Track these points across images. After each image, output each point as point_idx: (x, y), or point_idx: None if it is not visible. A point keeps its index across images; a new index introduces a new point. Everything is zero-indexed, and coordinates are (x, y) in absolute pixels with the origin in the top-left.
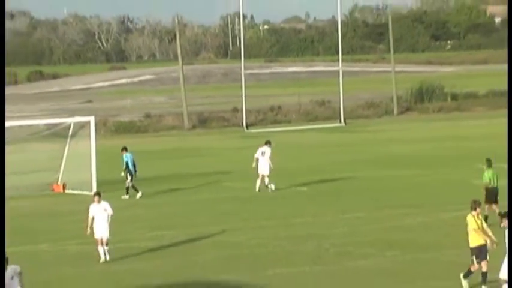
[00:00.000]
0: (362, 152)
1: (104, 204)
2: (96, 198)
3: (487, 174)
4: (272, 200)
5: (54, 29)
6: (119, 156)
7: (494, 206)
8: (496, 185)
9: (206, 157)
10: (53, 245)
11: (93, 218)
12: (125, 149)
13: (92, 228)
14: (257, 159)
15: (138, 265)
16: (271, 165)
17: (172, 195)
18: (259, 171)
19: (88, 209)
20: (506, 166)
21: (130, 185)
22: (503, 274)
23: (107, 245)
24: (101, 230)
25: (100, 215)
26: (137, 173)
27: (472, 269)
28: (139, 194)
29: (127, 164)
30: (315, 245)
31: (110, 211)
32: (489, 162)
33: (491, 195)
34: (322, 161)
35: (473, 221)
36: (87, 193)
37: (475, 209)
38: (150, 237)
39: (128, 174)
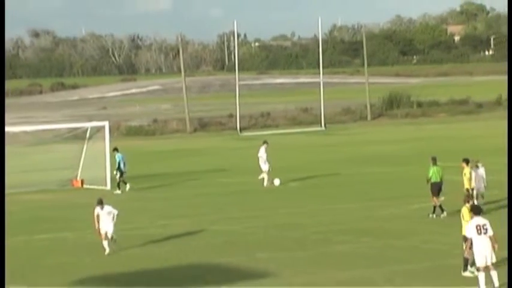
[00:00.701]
0: (340, 152)
1: (108, 208)
2: (99, 205)
3: (432, 171)
4: (263, 193)
5: (74, 46)
6: (131, 155)
7: (435, 199)
8: (439, 180)
9: (206, 156)
10: (73, 233)
11: (98, 216)
12: (116, 149)
13: (99, 223)
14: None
15: (147, 250)
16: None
17: (176, 190)
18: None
19: (94, 211)
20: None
21: (121, 180)
22: (480, 262)
23: (112, 238)
24: (106, 225)
25: (105, 216)
26: (126, 172)
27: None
28: (128, 187)
29: (119, 163)
30: (300, 233)
31: (115, 211)
32: (434, 160)
33: (435, 189)
34: (305, 160)
35: (467, 212)
36: (102, 188)
37: (468, 202)
38: (158, 225)
39: (119, 172)
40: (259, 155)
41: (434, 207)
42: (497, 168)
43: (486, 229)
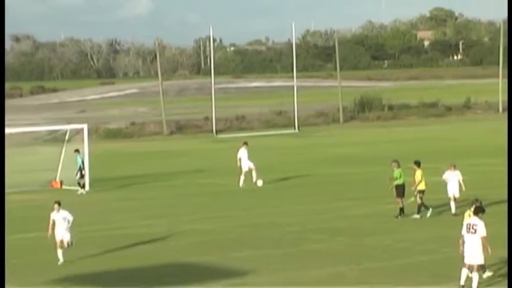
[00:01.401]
0: (313, 154)
1: (63, 213)
2: (56, 206)
3: (395, 173)
4: (239, 194)
5: (54, 50)
6: (109, 157)
7: (399, 200)
8: (402, 182)
9: (183, 158)
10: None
11: (54, 222)
12: (77, 151)
13: (53, 230)
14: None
15: (127, 249)
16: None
17: (154, 190)
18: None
19: (49, 216)
20: (437, 166)
21: (82, 182)
22: (466, 259)
23: (68, 246)
24: (61, 232)
25: (60, 222)
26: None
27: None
28: (81, 191)
29: (80, 164)
30: (276, 232)
31: (70, 218)
32: (397, 163)
33: (399, 191)
34: (280, 162)
35: (467, 216)
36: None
37: (473, 205)
38: (137, 225)
39: (80, 173)
40: (239, 156)
41: (401, 208)
42: (468, 169)
43: (475, 229)
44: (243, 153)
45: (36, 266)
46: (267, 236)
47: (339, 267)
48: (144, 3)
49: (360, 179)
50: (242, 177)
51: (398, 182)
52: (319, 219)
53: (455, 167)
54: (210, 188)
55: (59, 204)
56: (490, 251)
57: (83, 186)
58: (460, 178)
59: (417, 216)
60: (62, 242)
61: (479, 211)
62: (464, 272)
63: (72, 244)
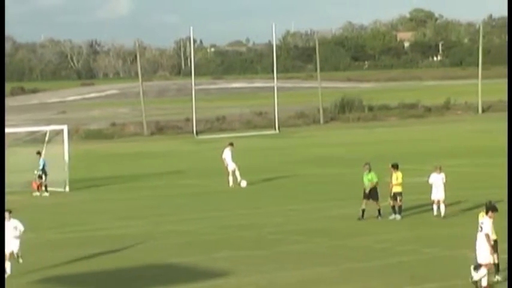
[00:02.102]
0: (294, 155)
1: (14, 222)
2: (7, 215)
3: (368, 176)
4: (219, 194)
5: (34, 51)
6: (90, 158)
7: (371, 201)
8: (375, 185)
9: (163, 159)
10: (34, 233)
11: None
12: (39, 153)
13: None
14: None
15: (107, 250)
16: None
17: (134, 191)
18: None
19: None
20: (417, 166)
21: (45, 183)
22: (479, 257)
23: (17, 257)
24: (11, 243)
25: (10, 231)
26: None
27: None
28: (46, 194)
29: (43, 166)
30: (256, 233)
31: (21, 227)
32: (368, 166)
33: (373, 194)
34: (260, 163)
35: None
36: (61, 190)
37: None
38: (118, 226)
39: (44, 175)
40: (223, 156)
41: (379, 210)
42: (448, 170)
43: (481, 227)
44: (227, 153)
45: (13, 267)
46: (248, 237)
47: (320, 268)
48: (124, 4)
49: (340, 180)
50: (231, 178)
51: (371, 184)
52: (299, 220)
53: (441, 169)
54: (190, 189)
55: (10, 212)
56: (490, 250)
57: (46, 189)
58: (444, 180)
59: (396, 216)
60: (12, 254)
61: (488, 210)
62: (472, 267)
63: (19, 257)
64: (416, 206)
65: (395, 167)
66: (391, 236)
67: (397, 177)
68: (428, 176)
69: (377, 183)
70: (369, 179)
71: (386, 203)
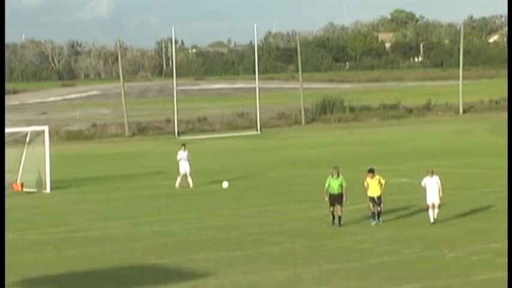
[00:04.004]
0: (275, 155)
1: None
2: None
3: (338, 181)
4: (199, 195)
5: (14, 52)
6: (70, 159)
7: (338, 207)
8: (341, 190)
9: (144, 160)
10: (14, 233)
11: None
12: None
13: None
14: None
15: (86, 251)
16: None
17: (115, 192)
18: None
19: None
20: (397, 167)
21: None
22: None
23: None
24: None
25: None
26: None
27: None
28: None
29: None
30: (236, 234)
31: None
32: (337, 170)
33: (338, 199)
34: (241, 163)
35: None
36: (41, 191)
37: None
38: (97, 227)
39: None
40: (178, 157)
41: (339, 216)
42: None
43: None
44: (182, 155)
45: None
46: (227, 238)
47: (299, 269)
48: (105, 5)
49: (321, 181)
50: (179, 179)
51: (341, 190)
52: (280, 220)
53: (433, 173)
54: (171, 189)
55: None
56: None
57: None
58: (439, 183)
59: (377, 221)
60: None
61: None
62: None
63: None
64: (396, 207)
65: (372, 171)
66: (371, 237)
67: (379, 180)
68: (422, 180)
69: (346, 188)
70: (339, 184)
71: (365, 205)
